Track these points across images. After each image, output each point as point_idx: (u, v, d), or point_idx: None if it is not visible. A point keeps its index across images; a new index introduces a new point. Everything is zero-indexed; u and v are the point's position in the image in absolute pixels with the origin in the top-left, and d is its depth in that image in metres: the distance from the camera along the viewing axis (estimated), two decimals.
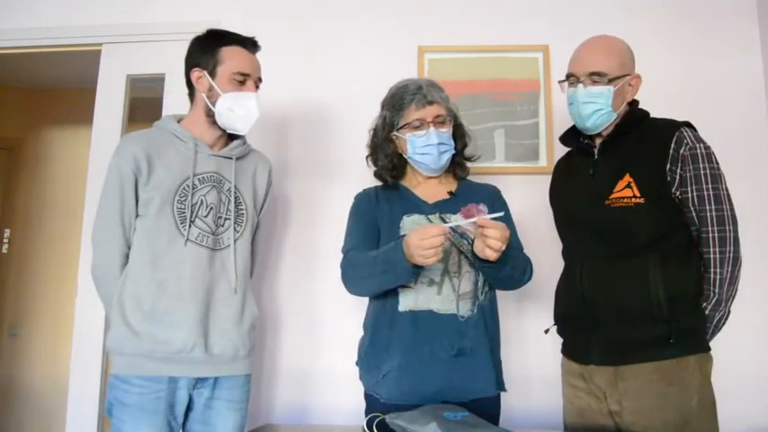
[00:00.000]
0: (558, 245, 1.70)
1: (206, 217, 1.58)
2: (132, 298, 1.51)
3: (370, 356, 1.56)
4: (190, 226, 1.55)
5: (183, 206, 1.56)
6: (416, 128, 1.56)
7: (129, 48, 2.42)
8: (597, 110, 1.50)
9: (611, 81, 1.49)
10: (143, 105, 2.52)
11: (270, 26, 2.30)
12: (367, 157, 1.70)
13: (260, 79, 1.66)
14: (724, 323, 1.47)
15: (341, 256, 1.61)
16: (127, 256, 1.56)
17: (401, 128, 1.58)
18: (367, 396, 1.57)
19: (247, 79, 1.60)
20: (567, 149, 1.76)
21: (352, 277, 1.54)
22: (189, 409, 1.57)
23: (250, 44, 1.65)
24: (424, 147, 1.56)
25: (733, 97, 2.22)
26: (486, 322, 1.53)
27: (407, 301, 1.51)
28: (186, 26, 2.34)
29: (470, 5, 2.35)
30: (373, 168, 1.70)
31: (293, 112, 2.31)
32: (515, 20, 2.33)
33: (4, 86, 3.81)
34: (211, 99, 1.61)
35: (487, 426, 1.26)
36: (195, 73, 1.62)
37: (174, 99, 2.33)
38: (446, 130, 1.57)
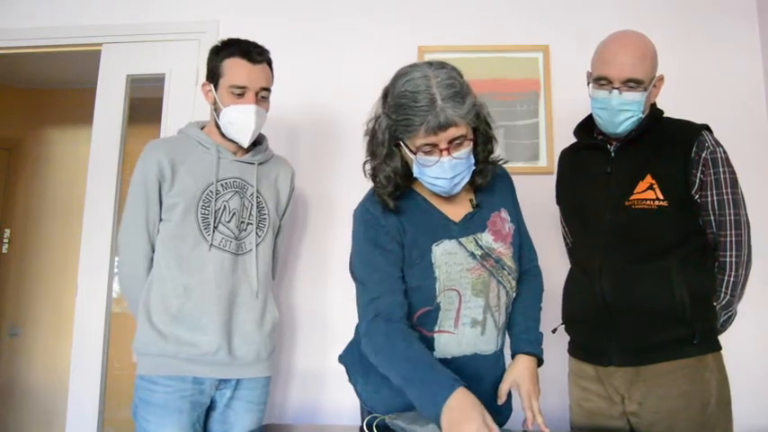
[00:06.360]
0: (557, 245, 1.69)
1: (229, 222, 1.61)
2: (159, 301, 1.54)
3: (383, 387, 1.31)
4: (213, 231, 1.58)
5: (206, 212, 1.58)
6: (426, 152, 1.21)
7: (129, 48, 2.42)
8: (630, 117, 1.45)
9: (645, 88, 1.45)
10: (143, 105, 2.52)
11: (269, 26, 2.30)
12: (364, 163, 1.33)
13: (264, 89, 1.62)
14: (730, 323, 1.49)
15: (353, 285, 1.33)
16: (151, 260, 1.59)
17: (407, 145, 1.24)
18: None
19: (246, 91, 1.58)
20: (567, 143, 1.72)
21: (374, 356, 1.24)
22: (210, 409, 1.60)
23: (255, 53, 1.60)
24: (435, 178, 1.24)
25: (733, 97, 2.22)
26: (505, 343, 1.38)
27: (449, 347, 1.28)
28: (186, 26, 2.36)
29: (470, 5, 2.35)
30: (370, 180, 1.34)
31: (291, 112, 2.30)
32: (515, 20, 2.33)
33: (4, 86, 3.81)
34: (217, 112, 1.62)
35: None
36: (205, 87, 1.65)
37: (174, 99, 2.34)
38: (465, 151, 1.23)
